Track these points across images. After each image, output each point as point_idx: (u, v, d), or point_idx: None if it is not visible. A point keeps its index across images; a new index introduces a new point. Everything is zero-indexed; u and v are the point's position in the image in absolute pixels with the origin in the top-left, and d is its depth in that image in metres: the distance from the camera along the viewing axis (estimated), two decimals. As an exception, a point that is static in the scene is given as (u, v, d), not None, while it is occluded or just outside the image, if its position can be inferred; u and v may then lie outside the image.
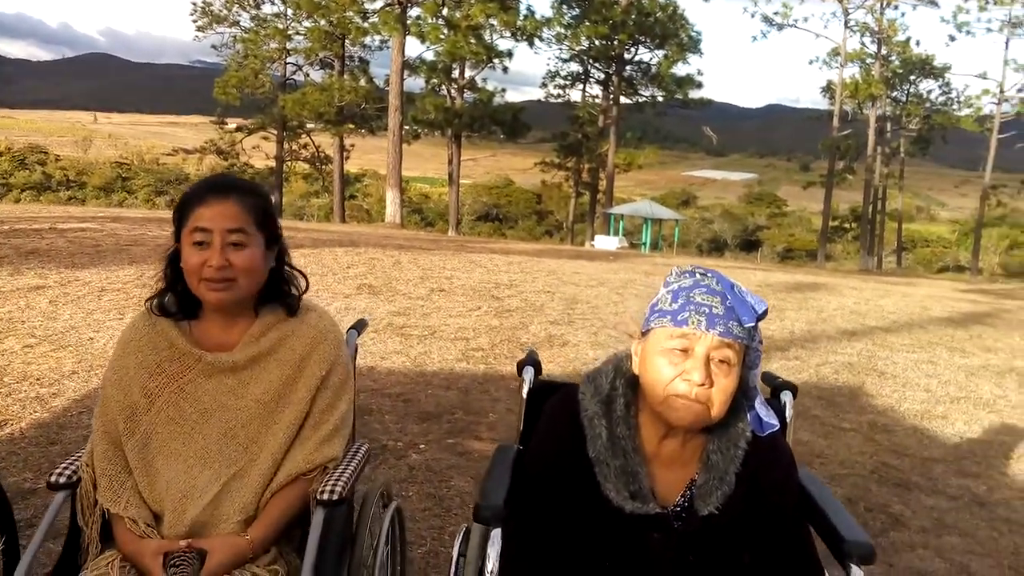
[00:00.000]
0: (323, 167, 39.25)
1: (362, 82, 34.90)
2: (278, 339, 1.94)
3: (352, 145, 37.59)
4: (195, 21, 37.00)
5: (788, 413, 2.06)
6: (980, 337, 8.95)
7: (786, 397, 2.08)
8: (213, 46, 37.89)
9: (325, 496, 1.82)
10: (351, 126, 34.96)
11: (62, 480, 1.84)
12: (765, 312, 1.62)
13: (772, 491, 1.68)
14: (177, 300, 1.92)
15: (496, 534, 1.64)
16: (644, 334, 1.66)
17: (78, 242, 9.09)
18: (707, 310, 1.56)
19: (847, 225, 53.08)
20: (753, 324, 1.59)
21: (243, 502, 1.84)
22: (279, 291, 1.96)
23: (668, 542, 1.67)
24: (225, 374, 1.90)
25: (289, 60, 36.97)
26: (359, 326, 2.31)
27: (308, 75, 37.31)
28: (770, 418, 1.70)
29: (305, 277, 2.04)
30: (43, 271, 7.19)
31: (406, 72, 30.71)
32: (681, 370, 1.55)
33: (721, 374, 1.56)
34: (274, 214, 1.93)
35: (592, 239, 34.40)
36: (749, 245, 54.98)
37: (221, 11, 36.83)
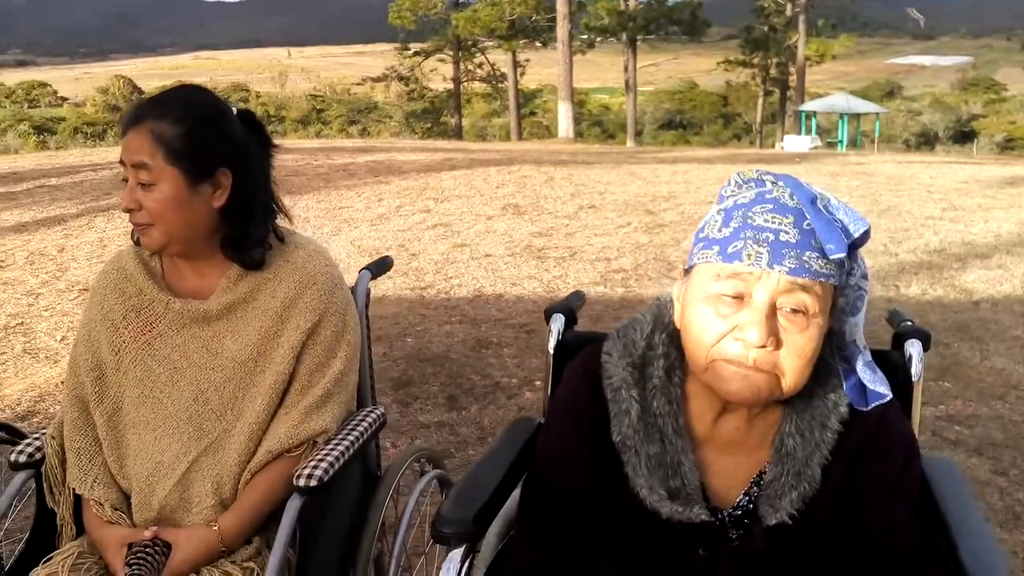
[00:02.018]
0: (499, 85, 39.00)
1: (532, -8, 33.98)
2: (258, 284, 1.60)
3: (527, 60, 36.96)
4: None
5: (914, 371, 1.43)
6: None
7: (912, 349, 1.45)
8: (389, -29, 38.09)
9: (301, 481, 1.49)
10: (524, 40, 34.33)
11: (22, 459, 1.62)
12: (866, 235, 1.06)
13: (877, 491, 1.14)
14: None
15: (455, 555, 1.23)
16: (687, 271, 1.15)
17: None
18: (771, 236, 1.03)
19: (1082, 106, 46.79)
20: (843, 254, 1.03)
21: (217, 482, 1.55)
22: (237, 239, 1.59)
23: (718, 563, 1.16)
24: (198, 325, 1.59)
25: (464, -23, 36.56)
26: (378, 266, 1.94)
27: (479, -10, 36.84)
28: (877, 385, 1.14)
29: (288, 217, 1.69)
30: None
31: (576, -23, 29.60)
32: (733, 325, 1.05)
33: (795, 329, 1.04)
34: (210, 139, 1.52)
35: (783, 140, 32.23)
36: (963, 137, 49.78)
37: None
